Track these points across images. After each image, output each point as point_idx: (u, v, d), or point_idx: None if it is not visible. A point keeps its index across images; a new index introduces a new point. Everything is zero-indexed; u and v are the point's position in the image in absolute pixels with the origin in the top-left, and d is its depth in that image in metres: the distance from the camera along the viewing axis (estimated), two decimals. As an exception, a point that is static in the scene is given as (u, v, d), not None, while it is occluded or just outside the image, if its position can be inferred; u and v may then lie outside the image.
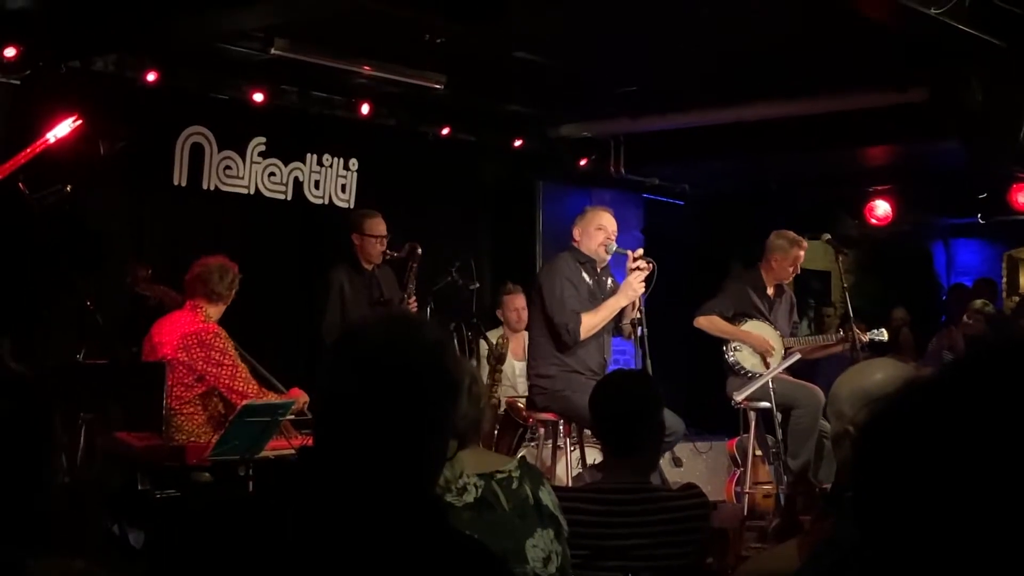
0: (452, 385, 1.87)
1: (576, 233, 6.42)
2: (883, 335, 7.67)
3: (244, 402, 5.36)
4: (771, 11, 5.88)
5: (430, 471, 1.90)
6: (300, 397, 5.85)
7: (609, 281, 6.45)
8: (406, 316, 1.98)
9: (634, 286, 6.13)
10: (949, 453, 0.96)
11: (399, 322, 1.97)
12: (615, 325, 6.39)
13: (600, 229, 6.34)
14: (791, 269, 7.54)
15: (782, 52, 6.85)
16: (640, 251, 6.36)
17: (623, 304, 6.18)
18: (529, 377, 6.50)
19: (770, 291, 7.53)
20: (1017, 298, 11.64)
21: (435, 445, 1.87)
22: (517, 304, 8.11)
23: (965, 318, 9.56)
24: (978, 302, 9.68)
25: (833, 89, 7.71)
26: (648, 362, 6.13)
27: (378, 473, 1.80)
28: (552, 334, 6.21)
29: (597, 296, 6.30)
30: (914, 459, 0.98)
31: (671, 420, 5.89)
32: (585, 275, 6.30)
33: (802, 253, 7.51)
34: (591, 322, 6.15)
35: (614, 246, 6.38)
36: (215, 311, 5.89)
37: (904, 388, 1.03)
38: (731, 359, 7.36)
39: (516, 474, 3.06)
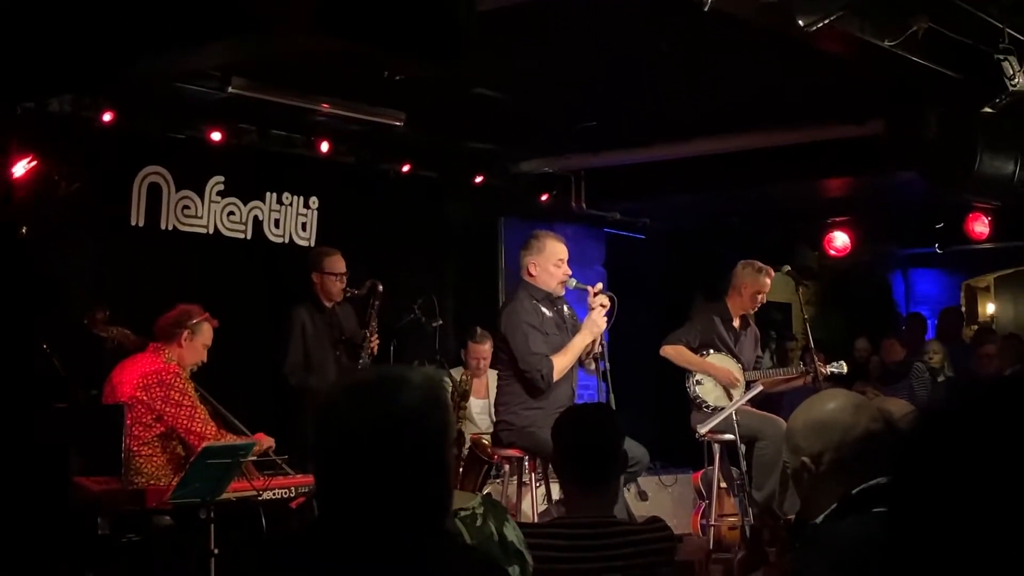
0: (439, 433, 1.97)
1: (531, 268, 6.29)
2: (843, 368, 7.69)
3: (204, 444, 5.30)
4: (728, 46, 5.92)
5: (439, 510, 1.99)
6: (263, 441, 5.81)
7: (566, 308, 6.40)
8: (381, 380, 2.04)
9: (598, 322, 6.10)
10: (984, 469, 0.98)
11: (375, 390, 2.00)
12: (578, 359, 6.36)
13: (559, 265, 6.27)
14: (760, 297, 7.57)
15: (740, 86, 6.90)
16: (600, 285, 6.30)
17: (588, 341, 6.15)
18: (497, 415, 6.45)
19: (736, 323, 7.56)
20: (976, 327, 11.75)
21: (436, 486, 1.96)
22: (480, 353, 8.07)
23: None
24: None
25: (792, 123, 7.77)
26: (611, 396, 6.11)
27: (386, 517, 1.90)
28: (523, 381, 6.14)
29: (561, 326, 6.27)
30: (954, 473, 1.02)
31: (635, 449, 5.87)
32: (544, 309, 6.24)
33: (768, 281, 7.55)
34: (561, 364, 6.11)
35: (573, 281, 6.32)
36: (175, 353, 5.86)
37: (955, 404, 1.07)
38: (693, 393, 7.38)
39: (480, 511, 3.03)
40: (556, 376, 6.09)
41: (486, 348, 7.95)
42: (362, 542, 1.91)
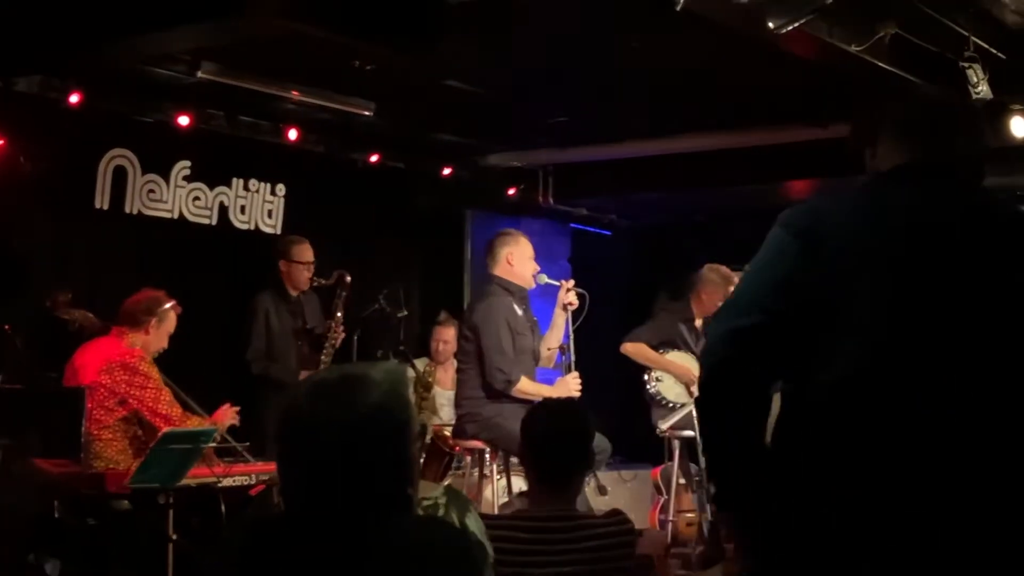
0: (401, 429, 2.05)
1: (510, 258, 6.29)
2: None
3: (165, 429, 5.28)
4: (699, 46, 5.95)
5: (403, 502, 2.07)
6: (224, 418, 5.81)
7: (528, 308, 6.45)
8: (344, 380, 2.11)
9: (571, 387, 6.11)
10: None
11: (338, 390, 2.06)
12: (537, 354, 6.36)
13: (531, 259, 6.34)
14: (721, 304, 7.58)
15: (709, 86, 6.93)
16: (572, 282, 6.38)
17: (556, 395, 6.00)
18: (459, 406, 6.45)
19: (698, 323, 7.59)
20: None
21: (399, 481, 2.05)
22: (445, 336, 8.13)
23: None
24: None
25: (759, 124, 7.82)
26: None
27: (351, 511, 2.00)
28: (484, 377, 6.14)
29: (530, 327, 6.29)
30: None
31: (599, 440, 5.89)
32: (516, 307, 6.26)
33: (732, 289, 7.56)
34: (526, 388, 6.08)
35: (544, 276, 6.38)
36: (140, 339, 5.83)
37: None
38: (652, 390, 7.42)
39: (442, 501, 3.04)
40: (516, 394, 6.06)
41: (450, 332, 7.98)
42: (328, 534, 1.97)
